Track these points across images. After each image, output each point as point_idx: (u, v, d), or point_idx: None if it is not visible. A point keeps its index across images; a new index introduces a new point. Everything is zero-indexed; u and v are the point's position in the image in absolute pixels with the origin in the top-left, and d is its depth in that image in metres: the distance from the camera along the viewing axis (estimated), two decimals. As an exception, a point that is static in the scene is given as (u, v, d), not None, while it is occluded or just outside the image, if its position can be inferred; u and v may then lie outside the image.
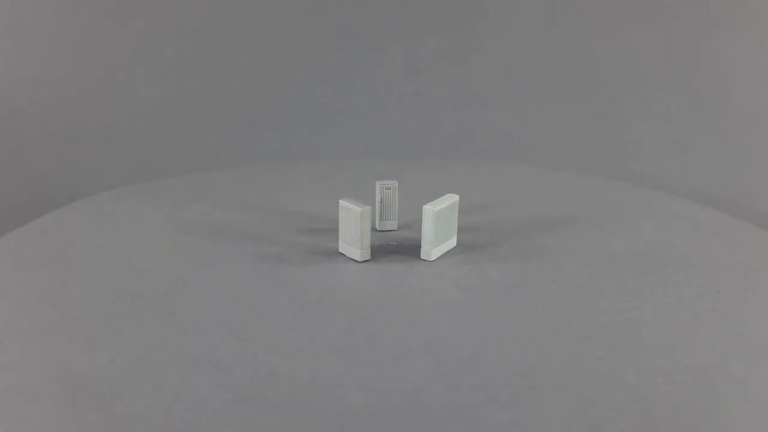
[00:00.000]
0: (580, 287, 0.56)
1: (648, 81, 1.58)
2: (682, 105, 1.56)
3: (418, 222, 0.69)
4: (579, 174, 0.94)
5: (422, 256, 0.61)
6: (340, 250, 0.62)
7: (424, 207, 0.59)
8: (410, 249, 0.63)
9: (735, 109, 1.54)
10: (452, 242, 0.63)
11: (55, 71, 1.56)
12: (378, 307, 0.52)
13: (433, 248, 0.60)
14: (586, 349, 0.46)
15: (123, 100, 1.57)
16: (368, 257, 0.61)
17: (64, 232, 0.67)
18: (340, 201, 0.60)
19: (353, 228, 0.59)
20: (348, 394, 0.41)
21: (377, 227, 0.68)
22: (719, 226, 0.72)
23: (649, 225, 0.72)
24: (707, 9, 1.56)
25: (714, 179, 1.46)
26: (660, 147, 1.53)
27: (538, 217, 0.73)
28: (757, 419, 0.39)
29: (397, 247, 0.64)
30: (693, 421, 0.38)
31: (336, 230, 0.65)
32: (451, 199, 0.62)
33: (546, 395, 0.41)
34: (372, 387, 0.41)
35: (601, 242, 0.66)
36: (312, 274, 0.58)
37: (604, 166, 1.47)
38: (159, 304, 0.52)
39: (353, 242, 0.60)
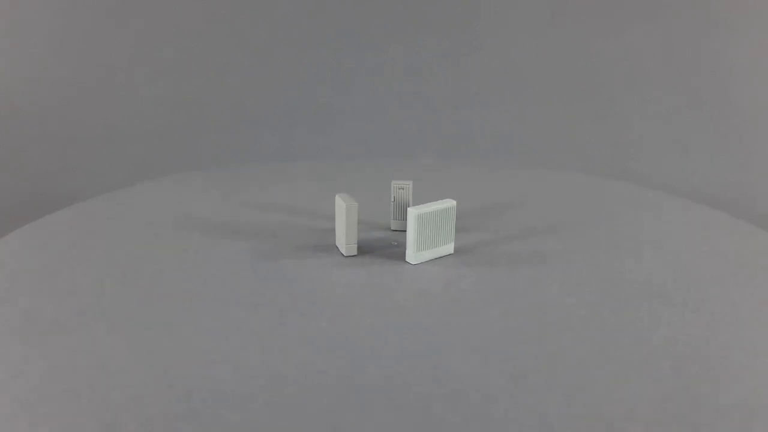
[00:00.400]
0: (540, 307, 0.53)
1: (648, 81, 1.58)
2: (682, 105, 1.56)
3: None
4: (579, 174, 0.94)
5: (407, 259, 0.61)
6: (336, 243, 0.63)
7: (408, 209, 0.59)
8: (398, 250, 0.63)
9: (735, 109, 1.54)
10: (448, 248, 0.62)
11: (55, 71, 1.56)
12: (319, 301, 0.52)
13: (415, 252, 0.59)
14: (484, 375, 0.43)
15: (123, 100, 1.57)
16: (354, 252, 0.61)
17: (64, 232, 0.67)
18: (337, 195, 0.61)
19: (342, 223, 0.60)
20: (216, 372, 0.43)
21: (392, 227, 0.69)
22: (719, 226, 0.72)
23: (648, 226, 0.72)
24: (707, 9, 1.56)
25: (714, 179, 1.46)
26: (660, 147, 1.53)
27: (539, 219, 0.73)
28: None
29: (396, 247, 0.64)
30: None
31: (332, 228, 0.65)
32: (445, 204, 0.60)
33: (395, 409, 0.40)
34: (242, 370, 0.43)
35: (598, 246, 0.66)
36: (291, 267, 0.58)
37: (604, 166, 1.47)
38: (142, 283, 0.55)
39: (341, 237, 0.61)
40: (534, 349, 0.46)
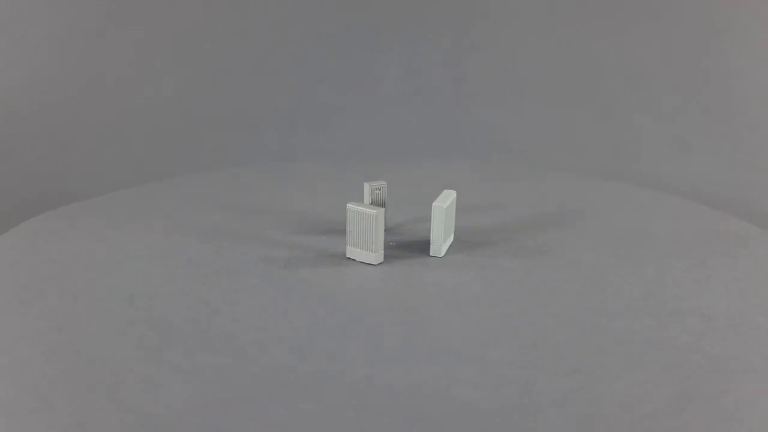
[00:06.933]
0: (585, 283, 0.56)
1: (648, 81, 1.58)
2: (682, 105, 1.56)
3: (413, 221, 0.69)
4: (579, 174, 0.94)
5: (432, 253, 0.62)
6: (348, 255, 0.61)
7: (434, 204, 0.60)
8: (410, 248, 0.63)
9: (735, 109, 1.54)
10: (452, 237, 0.65)
11: (55, 71, 1.56)
12: (396, 308, 0.52)
13: (441, 245, 0.61)
14: (604, 347, 0.46)
15: (123, 100, 1.57)
16: (382, 260, 0.60)
17: (63, 232, 0.67)
18: (348, 204, 0.59)
19: (367, 231, 0.58)
20: (378, 393, 0.41)
21: None
22: (719, 226, 0.72)
23: (648, 225, 0.72)
24: (708, 9, 1.56)
25: (714, 179, 1.46)
26: (660, 147, 1.53)
27: (538, 217, 0.73)
28: None
29: (395, 247, 0.64)
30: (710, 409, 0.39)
31: (337, 231, 0.65)
32: (452, 196, 0.63)
33: (567, 389, 0.41)
34: (401, 386, 0.41)
35: (602, 241, 0.66)
36: (325, 278, 0.57)
37: (604, 166, 1.47)
38: (145, 285, 0.52)
39: (367, 246, 0.59)
40: (624, 314, 0.47)
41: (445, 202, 0.61)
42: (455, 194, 0.64)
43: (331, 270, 0.59)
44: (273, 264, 0.60)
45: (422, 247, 0.64)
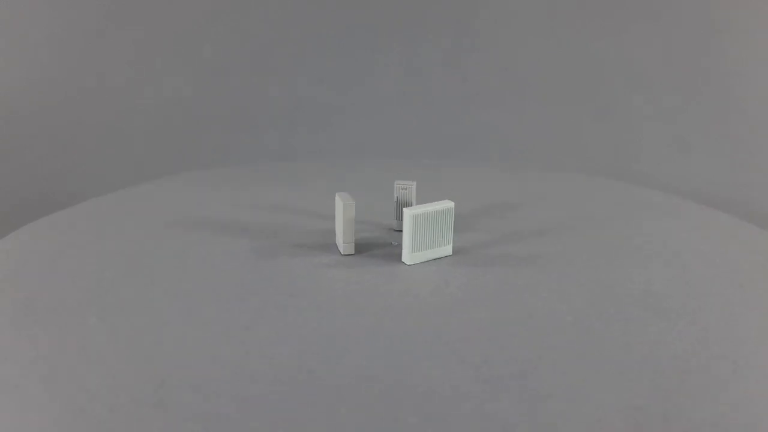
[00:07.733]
0: (527, 311, 0.51)
1: (648, 81, 1.58)
2: (682, 105, 1.56)
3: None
4: (579, 174, 0.93)
5: (402, 259, 0.61)
6: (336, 242, 0.64)
7: (404, 210, 0.59)
8: (399, 250, 0.63)
9: (735, 109, 1.54)
10: (446, 250, 0.61)
11: (55, 71, 1.56)
12: (305, 298, 0.53)
13: (411, 252, 0.59)
14: (455, 378, 0.43)
15: (123, 100, 1.57)
16: (351, 251, 0.62)
17: (62, 232, 0.67)
18: (336, 194, 0.62)
19: (340, 222, 0.61)
20: (191, 362, 0.41)
21: (395, 227, 0.69)
22: (719, 226, 0.72)
23: (648, 226, 0.72)
24: (708, 9, 1.56)
25: (714, 179, 1.46)
26: (660, 147, 1.53)
27: (539, 220, 0.73)
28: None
29: (394, 247, 0.64)
30: None
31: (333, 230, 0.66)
32: (443, 205, 0.60)
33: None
34: (216, 362, 0.42)
35: (598, 245, 0.66)
36: (286, 265, 0.59)
37: (604, 166, 1.47)
38: (138, 278, 0.54)
39: (340, 235, 0.62)
40: (511, 354, 0.45)
41: (422, 209, 0.58)
42: (452, 204, 0.60)
43: (297, 259, 0.60)
44: (255, 254, 0.60)
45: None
